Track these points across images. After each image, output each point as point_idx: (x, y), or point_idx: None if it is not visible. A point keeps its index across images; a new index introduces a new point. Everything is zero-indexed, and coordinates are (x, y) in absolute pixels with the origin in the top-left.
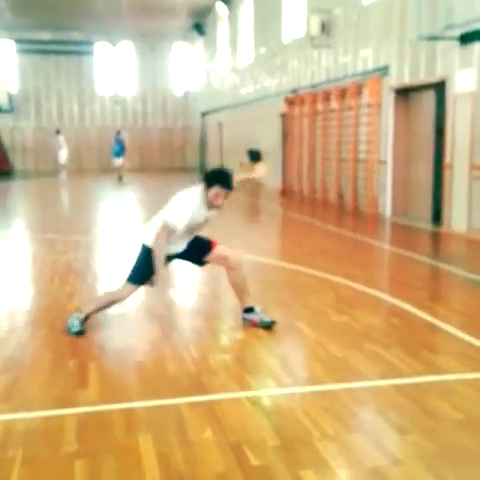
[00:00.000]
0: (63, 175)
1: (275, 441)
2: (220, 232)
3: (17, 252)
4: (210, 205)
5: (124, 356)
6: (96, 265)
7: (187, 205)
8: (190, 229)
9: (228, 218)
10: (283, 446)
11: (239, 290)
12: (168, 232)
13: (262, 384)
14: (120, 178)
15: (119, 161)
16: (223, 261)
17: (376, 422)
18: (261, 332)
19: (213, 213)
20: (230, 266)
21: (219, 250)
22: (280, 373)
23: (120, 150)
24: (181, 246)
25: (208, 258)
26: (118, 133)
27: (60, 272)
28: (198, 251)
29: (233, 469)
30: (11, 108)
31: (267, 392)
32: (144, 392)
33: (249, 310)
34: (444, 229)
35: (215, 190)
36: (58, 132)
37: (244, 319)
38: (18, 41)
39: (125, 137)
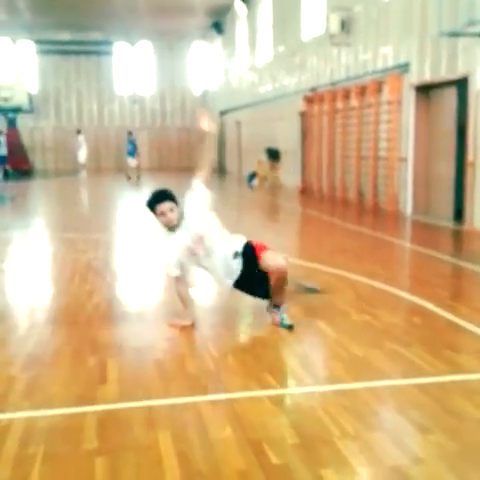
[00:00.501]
0: (83, 174)
1: (295, 440)
2: (239, 231)
3: (37, 251)
4: (167, 227)
5: (143, 354)
6: (115, 263)
7: (165, 250)
8: (190, 262)
9: (247, 217)
10: (303, 445)
11: (276, 290)
12: (175, 278)
13: (282, 383)
14: (130, 178)
15: (133, 161)
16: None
17: (397, 421)
18: (282, 331)
19: (185, 234)
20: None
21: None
22: (300, 372)
23: (133, 150)
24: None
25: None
26: (130, 134)
27: (80, 271)
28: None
29: (253, 467)
30: (31, 108)
31: (287, 391)
32: (163, 390)
33: (276, 306)
34: (466, 227)
35: (158, 211)
36: (79, 132)
37: (268, 310)
38: (38, 42)
39: (143, 137)
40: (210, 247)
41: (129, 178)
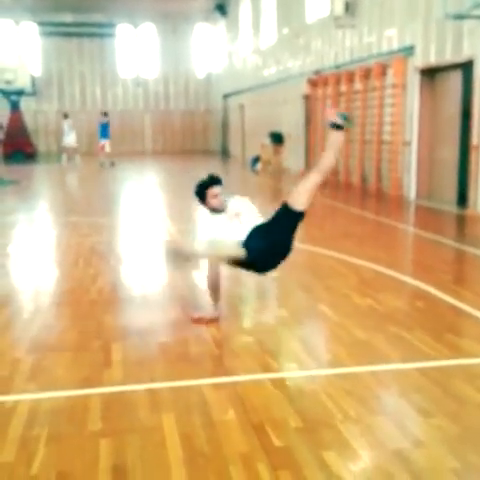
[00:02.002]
0: (77, 160)
1: (297, 423)
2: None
3: (42, 235)
4: (216, 209)
5: (147, 337)
6: (119, 247)
7: (207, 230)
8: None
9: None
10: (305, 428)
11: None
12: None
13: (284, 366)
14: (104, 163)
15: (107, 144)
16: None
17: (399, 405)
18: (284, 314)
19: (224, 216)
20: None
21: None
22: (302, 355)
23: (107, 132)
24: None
25: None
26: (105, 114)
27: (84, 254)
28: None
29: (256, 450)
30: (34, 91)
31: (289, 374)
32: (167, 373)
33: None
34: (470, 212)
35: (211, 193)
36: (66, 116)
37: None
38: (41, 24)
39: (146, 120)
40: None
41: (112, 164)
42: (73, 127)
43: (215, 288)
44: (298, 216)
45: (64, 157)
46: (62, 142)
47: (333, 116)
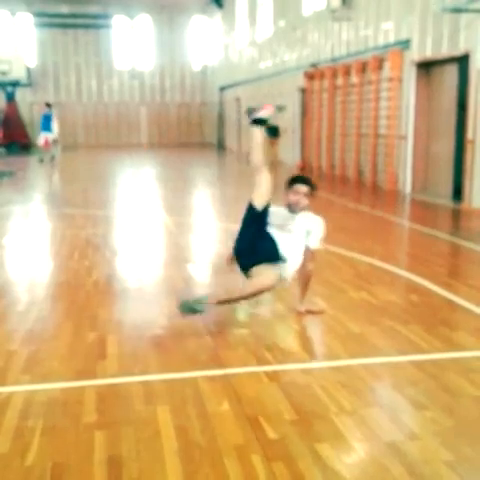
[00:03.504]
0: (55, 151)
1: (292, 415)
2: (238, 208)
3: (37, 226)
4: (291, 207)
5: (142, 330)
6: (114, 240)
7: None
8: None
9: (245, 194)
10: (300, 420)
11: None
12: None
13: (279, 359)
14: (43, 160)
15: (50, 137)
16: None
17: (393, 397)
18: (279, 307)
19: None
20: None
21: None
22: (297, 348)
23: (49, 125)
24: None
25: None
26: (48, 106)
27: (79, 246)
28: None
29: (250, 442)
30: (30, 82)
31: (284, 367)
32: (162, 365)
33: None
34: (465, 206)
35: (294, 189)
36: (49, 105)
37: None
38: (36, 14)
39: (142, 112)
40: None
41: (42, 160)
42: (56, 118)
43: (304, 285)
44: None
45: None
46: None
47: (267, 110)
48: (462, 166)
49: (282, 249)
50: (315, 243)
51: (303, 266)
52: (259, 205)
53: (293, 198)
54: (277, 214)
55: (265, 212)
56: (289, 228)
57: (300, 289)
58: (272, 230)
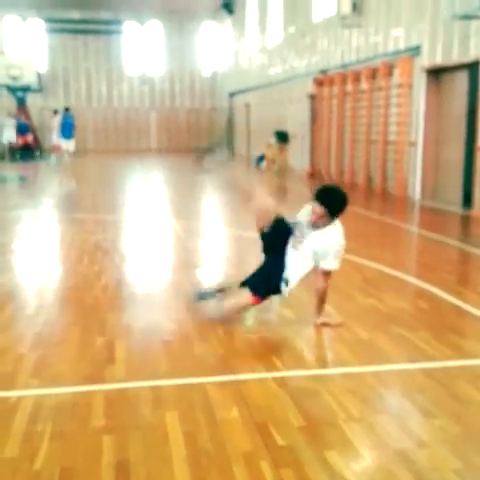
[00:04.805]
0: (64, 158)
1: (300, 422)
2: (246, 213)
3: (47, 231)
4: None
5: (151, 334)
6: (123, 244)
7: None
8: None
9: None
10: (308, 427)
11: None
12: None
13: (288, 365)
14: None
15: (70, 144)
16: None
17: (402, 405)
18: (288, 313)
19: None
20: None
21: None
22: (306, 355)
23: (71, 131)
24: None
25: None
26: (67, 110)
27: (88, 251)
28: None
29: (259, 448)
30: (40, 87)
31: (293, 373)
32: (171, 370)
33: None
34: (475, 212)
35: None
36: (56, 112)
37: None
38: (47, 20)
39: (152, 118)
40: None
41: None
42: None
43: (317, 301)
44: None
45: (54, 156)
46: (55, 139)
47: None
48: (472, 173)
49: (288, 268)
50: (327, 265)
51: (315, 284)
52: (258, 229)
53: (311, 216)
54: (301, 223)
55: (277, 230)
56: (299, 246)
57: (315, 304)
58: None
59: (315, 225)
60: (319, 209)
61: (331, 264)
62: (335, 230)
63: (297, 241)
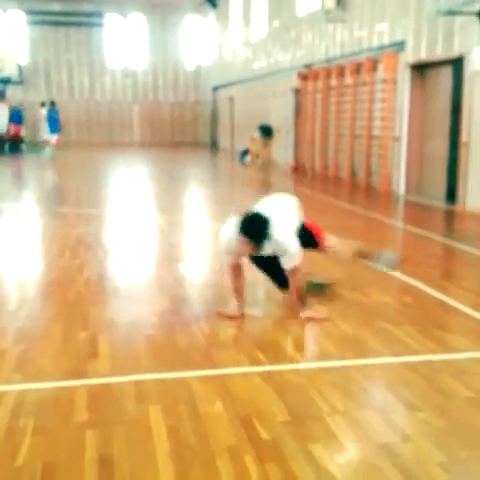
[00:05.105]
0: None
1: (285, 415)
2: (230, 207)
3: (28, 225)
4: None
5: (134, 329)
6: (106, 238)
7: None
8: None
9: (238, 193)
10: (293, 421)
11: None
12: (229, 262)
13: (272, 359)
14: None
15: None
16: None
17: (386, 398)
18: (272, 308)
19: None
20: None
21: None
22: (291, 349)
23: (57, 124)
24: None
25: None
26: (52, 104)
27: (71, 245)
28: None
29: (243, 442)
30: (21, 80)
31: (277, 367)
32: (154, 365)
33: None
34: (458, 208)
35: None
36: (44, 104)
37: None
38: (28, 12)
39: (135, 111)
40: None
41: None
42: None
43: (237, 289)
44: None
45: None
46: (43, 132)
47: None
48: (456, 168)
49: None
50: (287, 265)
51: (236, 267)
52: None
53: (239, 247)
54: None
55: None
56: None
57: (293, 300)
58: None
59: (246, 256)
60: (244, 240)
61: (290, 262)
62: (281, 236)
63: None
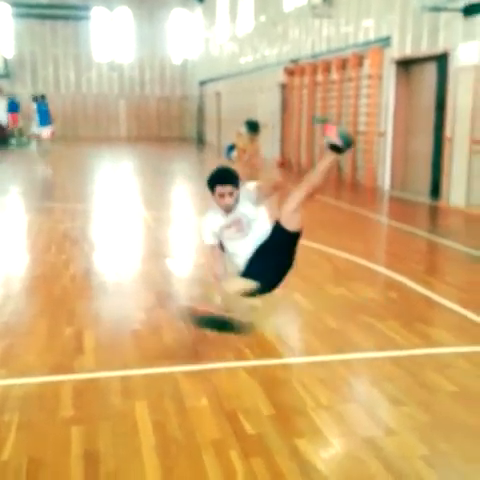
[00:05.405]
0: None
1: (270, 410)
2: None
3: (13, 220)
4: (223, 209)
5: (120, 324)
6: (92, 234)
7: (203, 224)
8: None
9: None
10: (278, 415)
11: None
12: (211, 250)
13: (258, 354)
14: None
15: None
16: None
17: (371, 393)
18: (258, 302)
19: (233, 217)
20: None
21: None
22: (276, 344)
23: (48, 118)
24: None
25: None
26: (42, 97)
27: (56, 240)
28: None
29: (228, 437)
30: (7, 73)
31: (263, 362)
32: (140, 360)
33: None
34: (442, 203)
35: (217, 192)
36: (36, 99)
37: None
38: (14, 5)
39: (121, 105)
40: (246, 230)
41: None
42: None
43: (217, 277)
44: (294, 237)
45: (35, 143)
46: (34, 127)
47: (333, 134)
48: (440, 164)
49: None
50: (252, 187)
51: (218, 255)
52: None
53: (221, 202)
54: (216, 224)
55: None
56: (238, 234)
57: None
58: (231, 244)
59: (232, 207)
60: (228, 188)
61: (253, 185)
62: (244, 193)
63: (238, 231)
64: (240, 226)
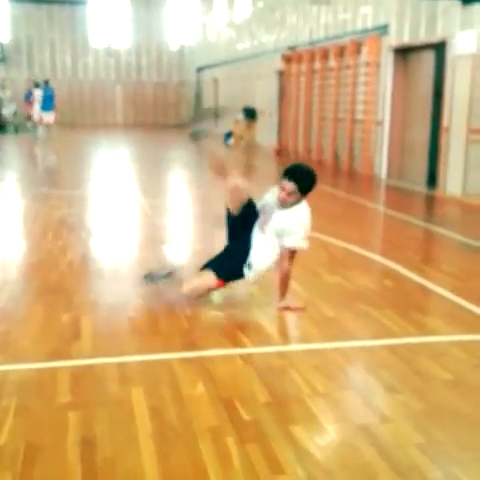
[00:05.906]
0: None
1: (266, 397)
2: (212, 191)
3: (10, 206)
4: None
5: (117, 311)
6: (89, 220)
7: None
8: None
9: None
10: (274, 402)
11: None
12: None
13: (254, 341)
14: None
15: (50, 116)
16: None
17: (366, 381)
18: (254, 290)
19: (273, 213)
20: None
21: None
22: (272, 331)
23: (51, 103)
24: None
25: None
26: (46, 83)
27: (53, 226)
28: None
29: (225, 423)
30: (3, 58)
31: (259, 349)
32: (137, 347)
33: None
34: (439, 192)
35: (282, 182)
36: (37, 85)
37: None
38: None
39: (118, 91)
40: (263, 228)
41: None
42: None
43: (281, 283)
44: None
45: (40, 129)
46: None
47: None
48: (437, 153)
49: (252, 252)
50: (290, 243)
51: (280, 264)
52: (232, 208)
53: (280, 193)
54: (269, 205)
55: (245, 214)
56: (265, 228)
57: (278, 287)
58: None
59: (284, 203)
60: (289, 185)
61: (295, 242)
62: (302, 210)
63: (263, 222)
64: (265, 221)
